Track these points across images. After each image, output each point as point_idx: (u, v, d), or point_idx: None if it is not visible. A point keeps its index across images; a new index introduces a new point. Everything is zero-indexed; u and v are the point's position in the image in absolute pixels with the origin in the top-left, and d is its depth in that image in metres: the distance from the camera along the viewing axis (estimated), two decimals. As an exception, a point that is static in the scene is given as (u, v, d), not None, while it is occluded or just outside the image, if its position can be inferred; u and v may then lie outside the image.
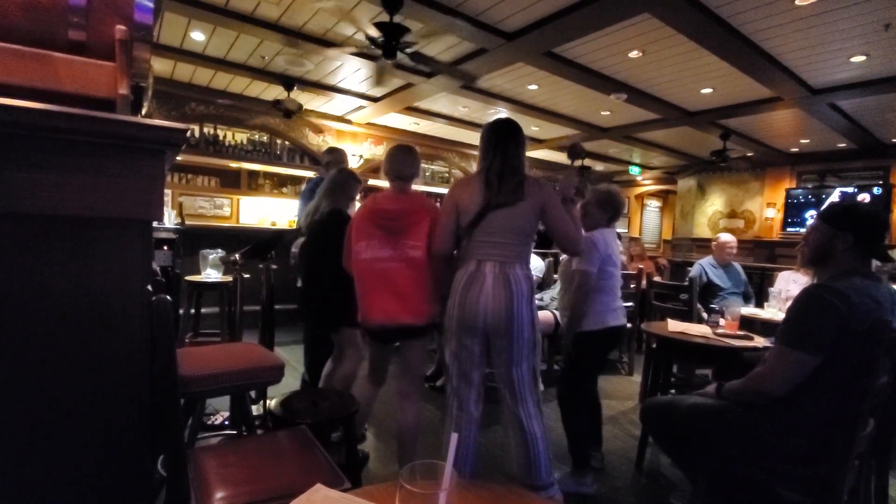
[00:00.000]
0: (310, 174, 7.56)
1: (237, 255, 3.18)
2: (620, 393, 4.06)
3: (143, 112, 1.24)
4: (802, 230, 8.40)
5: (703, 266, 4.39)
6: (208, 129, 7.24)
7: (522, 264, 2.06)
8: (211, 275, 4.01)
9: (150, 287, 1.05)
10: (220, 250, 4.12)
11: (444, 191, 8.85)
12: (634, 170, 11.33)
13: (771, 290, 4.00)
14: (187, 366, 1.82)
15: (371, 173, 8.30)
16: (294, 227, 6.62)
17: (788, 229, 9.01)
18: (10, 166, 0.90)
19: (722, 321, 2.93)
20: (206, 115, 7.10)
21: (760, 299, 4.57)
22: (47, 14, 1.07)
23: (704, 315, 3.81)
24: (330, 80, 6.26)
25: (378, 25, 4.00)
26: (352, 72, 5.88)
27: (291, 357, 4.30)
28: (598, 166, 11.17)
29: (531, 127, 7.70)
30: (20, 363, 0.94)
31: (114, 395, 1.02)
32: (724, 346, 2.64)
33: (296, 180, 8.23)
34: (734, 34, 4.20)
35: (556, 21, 4.12)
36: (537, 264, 4.43)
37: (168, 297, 1.09)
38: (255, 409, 2.72)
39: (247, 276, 3.30)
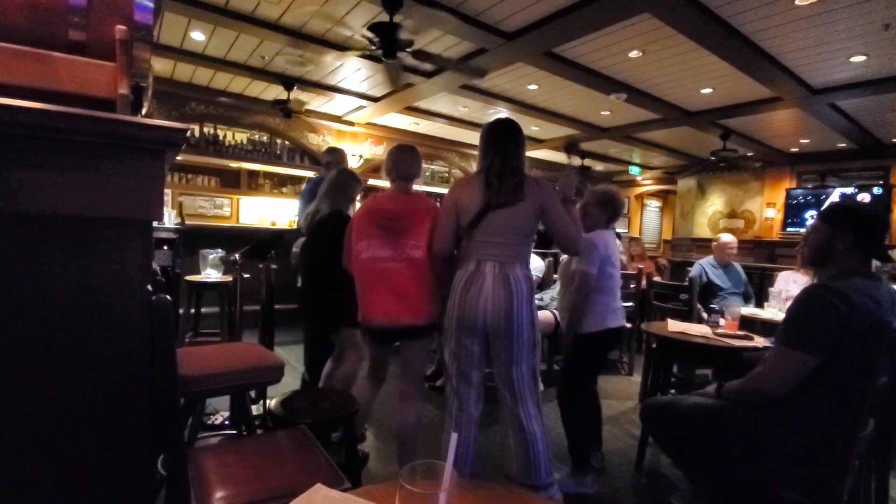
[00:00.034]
0: (310, 174, 7.56)
1: (237, 255, 3.18)
2: (620, 393, 4.06)
3: (144, 112, 1.24)
4: (802, 230, 8.40)
5: (703, 266, 4.39)
6: (208, 129, 7.24)
7: (522, 264, 2.06)
8: (211, 274, 4.01)
9: (150, 287, 1.05)
10: (219, 250, 4.12)
11: (444, 191, 8.85)
12: (634, 170, 11.33)
13: (771, 290, 4.00)
14: (187, 365, 1.82)
15: (371, 173, 8.30)
16: (294, 227, 6.63)
17: (788, 229, 9.01)
18: (10, 166, 0.90)
19: (722, 321, 2.93)
20: (206, 115, 7.10)
21: (760, 299, 4.58)
22: (47, 14, 1.07)
23: (704, 315, 3.81)
24: (330, 79, 6.27)
25: (373, 27, 3.99)
26: (352, 71, 5.88)
27: (291, 357, 4.30)
28: (598, 166, 11.17)
29: (531, 127, 7.70)
30: (20, 363, 0.94)
31: (114, 395, 1.02)
32: (724, 346, 2.64)
33: (296, 180, 8.23)
34: (734, 34, 4.20)
35: (555, 21, 4.12)
36: (537, 264, 4.43)
37: (168, 297, 1.09)
38: (255, 409, 2.72)
39: (247, 275, 3.31)
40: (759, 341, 2.70)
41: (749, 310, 3.89)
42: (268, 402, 2.19)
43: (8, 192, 0.90)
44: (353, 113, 7.66)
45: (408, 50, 4.21)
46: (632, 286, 4.41)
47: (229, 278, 3.87)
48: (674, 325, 3.05)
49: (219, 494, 1.25)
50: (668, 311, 4.03)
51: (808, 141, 7.96)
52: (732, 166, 8.88)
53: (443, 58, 4.69)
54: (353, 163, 8.00)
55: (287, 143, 7.97)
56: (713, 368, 3.17)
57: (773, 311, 3.69)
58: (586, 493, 2.39)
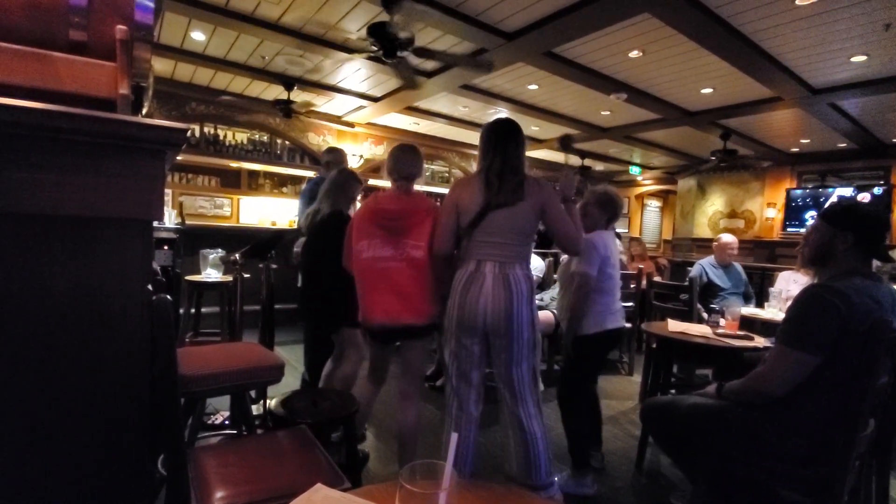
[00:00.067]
0: (310, 174, 7.56)
1: (237, 255, 3.18)
2: (620, 393, 4.06)
3: (144, 112, 1.24)
4: (803, 230, 8.40)
5: (704, 266, 4.39)
6: (208, 129, 7.24)
7: (522, 264, 2.05)
8: (211, 274, 4.01)
9: (150, 287, 1.05)
10: (220, 250, 4.12)
11: (444, 191, 8.86)
12: (635, 170, 11.33)
13: (771, 290, 4.00)
14: (187, 365, 1.82)
15: (371, 173, 8.30)
16: (294, 227, 6.63)
17: (789, 229, 9.01)
18: (10, 166, 0.90)
19: (722, 321, 2.93)
20: (206, 115, 7.10)
21: (761, 299, 4.58)
22: (48, 14, 1.07)
23: (704, 315, 3.81)
24: (330, 79, 6.27)
25: (372, 28, 3.99)
26: (352, 71, 5.88)
27: (291, 357, 4.30)
28: (599, 166, 11.17)
29: (531, 127, 7.70)
30: (20, 363, 0.94)
31: (114, 395, 1.02)
32: (725, 346, 2.64)
33: (296, 180, 8.23)
34: (734, 34, 4.20)
35: (556, 21, 4.12)
36: (537, 264, 4.43)
37: (168, 297, 1.09)
38: (255, 409, 2.72)
39: (247, 275, 3.31)
40: (760, 341, 2.70)
41: (749, 310, 3.89)
42: (268, 401, 2.20)
43: (8, 192, 0.90)
44: (354, 113, 7.66)
45: (409, 49, 4.21)
46: (632, 286, 4.41)
47: (229, 278, 3.87)
48: (674, 325, 3.05)
49: (219, 494, 1.25)
50: (668, 311, 4.03)
51: (808, 141, 7.96)
52: (742, 166, 8.87)
53: (448, 54, 4.65)
54: (354, 163, 8.00)
55: (287, 143, 7.97)
56: (713, 368, 3.17)
57: (774, 312, 3.69)
58: (586, 494, 2.39)
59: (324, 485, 0.94)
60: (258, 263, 3.13)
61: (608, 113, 7.01)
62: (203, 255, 4.05)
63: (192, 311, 4.11)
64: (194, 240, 4.88)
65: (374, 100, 6.94)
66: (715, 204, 10.43)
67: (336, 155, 3.90)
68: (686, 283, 4.07)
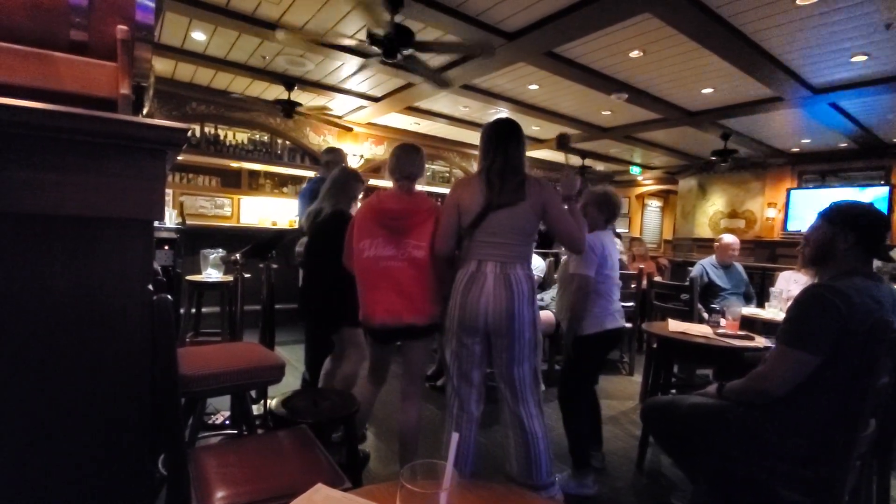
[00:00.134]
0: (310, 174, 7.57)
1: (238, 255, 3.18)
2: (621, 393, 4.06)
3: (145, 112, 1.24)
4: (803, 230, 8.38)
5: (705, 266, 4.39)
6: (209, 129, 7.25)
7: (524, 264, 2.05)
8: (212, 274, 4.01)
9: (150, 286, 1.05)
10: (220, 250, 4.12)
11: (444, 191, 8.86)
12: (635, 170, 11.33)
13: (772, 290, 4.00)
14: (188, 365, 1.82)
15: (372, 173, 8.30)
16: (294, 227, 6.63)
17: (789, 229, 9.01)
18: (11, 166, 0.90)
19: (723, 321, 2.93)
20: (206, 115, 7.11)
21: (761, 299, 4.57)
22: (49, 14, 1.07)
23: (705, 315, 3.81)
24: (330, 80, 6.27)
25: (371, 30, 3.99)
26: (352, 71, 5.88)
27: (292, 356, 4.30)
28: (599, 166, 11.17)
29: (532, 127, 7.70)
30: (20, 363, 0.94)
31: (114, 395, 1.02)
32: (725, 346, 2.64)
33: (296, 180, 8.23)
34: (735, 34, 4.20)
35: (556, 21, 4.12)
36: (538, 264, 4.43)
37: (169, 297, 1.09)
38: (256, 409, 2.72)
39: (247, 275, 3.31)
40: (760, 341, 2.69)
41: (750, 310, 3.89)
42: (268, 401, 2.20)
43: (9, 192, 0.90)
44: (354, 113, 7.66)
45: (405, 52, 4.21)
46: (632, 286, 4.41)
47: (230, 278, 3.88)
48: (674, 325, 3.05)
49: (219, 494, 1.25)
50: (668, 311, 4.02)
51: (809, 141, 7.95)
52: (749, 164, 8.86)
53: (448, 43, 4.60)
54: (354, 163, 8.00)
55: (288, 142, 7.98)
56: (714, 368, 3.17)
57: (774, 312, 3.69)
58: (587, 494, 2.39)
59: (324, 485, 0.94)
60: (258, 263, 3.13)
61: (609, 113, 7.01)
62: (203, 254, 4.05)
63: (193, 311, 4.12)
64: (195, 240, 4.88)
65: (375, 100, 6.94)
66: (716, 204, 10.43)
67: (336, 155, 3.90)
68: (687, 283, 4.07)
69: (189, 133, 1.04)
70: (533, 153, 9.69)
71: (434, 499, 0.67)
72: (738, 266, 4.43)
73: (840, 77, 5.17)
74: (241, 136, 7.62)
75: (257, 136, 7.73)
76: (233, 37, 5.02)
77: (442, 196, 8.09)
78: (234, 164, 7.69)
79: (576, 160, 10.15)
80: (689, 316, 3.80)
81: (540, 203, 2.01)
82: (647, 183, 12.40)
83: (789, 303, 1.75)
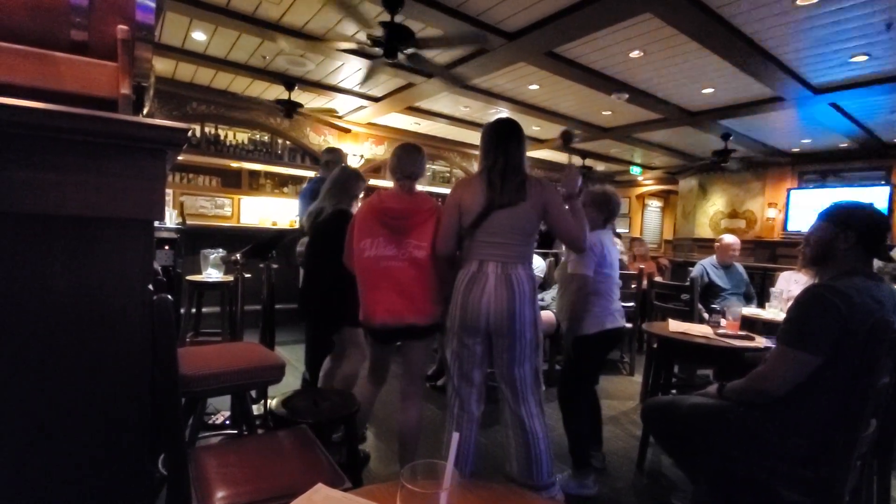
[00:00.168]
0: (311, 174, 7.57)
1: (238, 255, 3.18)
2: (621, 393, 4.06)
3: (145, 112, 1.24)
4: (804, 230, 8.38)
5: (705, 266, 4.39)
6: (209, 129, 7.25)
7: (525, 264, 2.05)
8: (212, 274, 4.01)
9: (151, 286, 1.05)
10: (221, 250, 4.13)
11: (445, 191, 8.85)
12: (636, 170, 11.32)
13: (772, 290, 4.00)
14: (188, 365, 1.82)
15: (372, 173, 8.30)
16: (295, 227, 6.63)
17: (790, 229, 9.00)
18: (11, 166, 0.90)
19: (723, 321, 2.93)
20: (207, 115, 7.10)
21: (762, 299, 4.57)
22: (49, 14, 1.07)
23: (705, 315, 3.81)
24: (331, 80, 6.27)
25: (383, 25, 4.00)
26: (353, 72, 5.88)
27: (292, 356, 4.30)
28: (600, 166, 11.17)
29: (532, 127, 7.69)
30: (20, 363, 0.94)
31: (114, 395, 1.02)
32: (726, 346, 2.64)
33: (297, 180, 8.23)
34: (735, 34, 4.19)
35: (556, 21, 4.11)
36: (538, 264, 4.43)
37: (169, 297, 1.09)
38: (256, 409, 2.72)
39: (248, 275, 3.31)
40: (761, 341, 2.69)
41: (750, 310, 3.88)
42: (269, 401, 2.20)
43: (10, 192, 0.90)
44: (354, 113, 7.66)
45: (406, 52, 4.21)
46: (633, 286, 4.41)
47: (230, 278, 3.88)
48: (675, 326, 3.05)
49: (220, 494, 1.25)
50: (669, 311, 4.03)
51: (809, 141, 7.95)
52: (754, 164, 8.85)
53: (447, 38, 4.61)
54: (354, 163, 8.00)
55: (288, 143, 7.98)
56: (714, 369, 3.16)
57: (775, 312, 3.69)
58: (587, 494, 2.39)
59: (325, 485, 0.94)
60: (259, 263, 3.13)
61: (609, 113, 7.01)
62: (204, 254, 4.05)
63: (193, 310, 4.12)
64: (195, 240, 4.88)
65: (375, 100, 6.94)
66: (716, 204, 10.42)
67: (335, 154, 3.91)
68: (687, 284, 4.07)
69: (189, 133, 1.04)
70: (533, 153, 9.69)
71: (434, 499, 0.67)
72: (739, 266, 4.43)
73: (840, 77, 5.16)
74: (242, 136, 7.62)
75: (258, 136, 7.73)
76: (233, 37, 5.02)
77: (442, 196, 8.09)
78: (235, 164, 7.69)
79: (576, 160, 10.15)
80: (689, 316, 3.80)
81: (541, 203, 2.01)
82: (648, 183, 12.40)
83: (790, 303, 1.75)
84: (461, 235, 2.10)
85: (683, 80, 5.52)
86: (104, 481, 1.02)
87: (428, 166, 9.49)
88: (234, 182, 7.84)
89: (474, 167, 9.54)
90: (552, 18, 4.13)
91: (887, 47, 4.37)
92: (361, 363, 2.67)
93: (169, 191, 6.76)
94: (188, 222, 5.40)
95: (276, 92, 6.59)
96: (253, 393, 2.68)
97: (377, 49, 4.14)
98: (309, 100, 6.99)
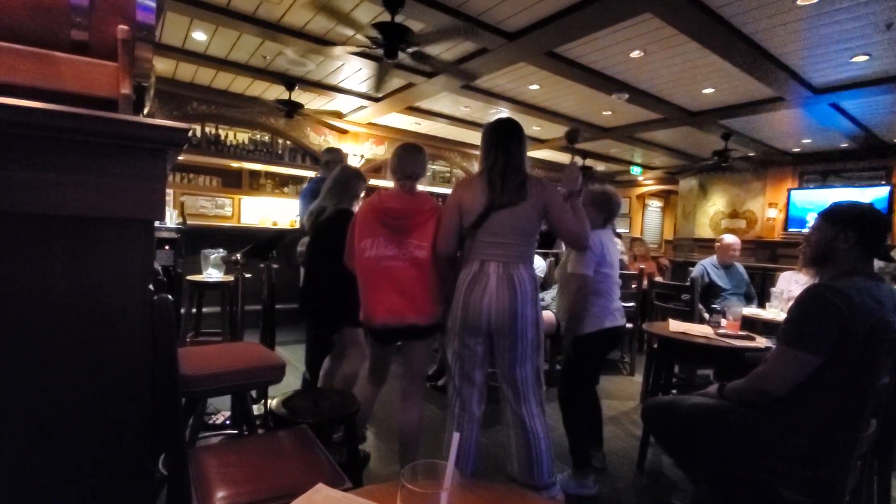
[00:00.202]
0: (311, 174, 7.58)
1: (238, 255, 3.18)
2: (622, 393, 4.06)
3: (145, 112, 1.24)
4: (804, 230, 8.39)
5: (705, 266, 4.38)
6: (210, 129, 7.25)
7: (526, 264, 2.05)
8: (212, 274, 4.01)
9: (151, 286, 1.05)
10: (221, 250, 4.13)
11: (445, 191, 8.85)
12: (636, 170, 11.32)
13: (773, 290, 4.00)
14: (188, 365, 1.82)
15: (372, 173, 8.30)
16: (296, 227, 6.63)
17: (790, 229, 9.00)
18: (12, 166, 0.90)
19: (724, 321, 2.92)
20: (207, 115, 7.11)
21: (762, 300, 4.57)
22: (50, 14, 1.07)
23: (706, 315, 3.80)
24: (331, 80, 6.27)
25: (379, 26, 4.00)
26: (353, 72, 5.89)
27: (292, 356, 4.30)
28: (600, 166, 11.17)
29: (532, 127, 7.70)
30: (20, 363, 0.94)
31: (115, 395, 1.02)
32: (726, 346, 2.64)
33: (297, 180, 8.24)
34: (736, 34, 4.19)
35: (557, 21, 4.12)
36: (539, 264, 4.42)
37: (169, 297, 1.09)
38: (256, 409, 2.72)
39: (248, 275, 3.31)
40: (761, 342, 2.69)
41: (751, 310, 3.88)
42: (269, 401, 2.20)
43: (10, 192, 0.90)
44: (355, 113, 7.66)
45: (408, 51, 4.21)
46: (633, 286, 4.41)
47: (231, 278, 3.88)
48: (675, 326, 3.04)
49: (220, 494, 1.25)
50: (669, 311, 4.02)
51: (809, 141, 7.95)
52: (755, 164, 8.85)
53: (436, 60, 4.67)
54: (354, 163, 8.00)
55: (288, 142, 7.98)
56: (715, 369, 3.16)
57: (775, 312, 3.69)
58: (588, 494, 2.39)
59: (325, 485, 0.94)
60: (259, 263, 3.13)
61: (609, 113, 7.01)
62: (204, 254, 4.06)
63: (194, 310, 4.12)
64: (195, 240, 4.89)
65: (376, 100, 6.94)
66: (716, 204, 10.42)
67: (335, 154, 3.91)
68: (687, 284, 4.07)
69: (190, 133, 1.04)
70: (534, 153, 9.69)
71: (435, 499, 0.67)
72: (739, 266, 4.43)
73: (841, 77, 5.16)
74: (242, 136, 7.62)
75: (258, 136, 7.73)
76: (234, 37, 5.02)
77: (443, 196, 8.09)
78: (235, 164, 7.69)
79: (577, 160, 10.14)
80: (689, 316, 3.80)
81: (541, 202, 2.01)
82: (648, 183, 12.40)
83: (790, 303, 1.75)
84: (462, 235, 2.10)
85: (684, 80, 5.52)
86: (104, 481, 1.02)
87: (428, 166, 9.48)
88: (235, 182, 7.84)
89: (474, 167, 9.54)
90: (552, 18, 4.13)
91: (887, 47, 4.37)
92: (361, 363, 2.66)
93: (169, 191, 6.76)
94: (189, 222, 5.40)
95: (277, 92, 6.60)
96: (253, 393, 2.68)
97: (378, 50, 4.13)
98: (309, 100, 6.99)
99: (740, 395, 1.78)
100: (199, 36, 5.08)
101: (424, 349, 2.26)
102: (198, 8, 4.28)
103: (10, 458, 0.94)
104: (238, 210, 7.81)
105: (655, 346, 3.20)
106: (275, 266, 3.11)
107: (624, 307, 2.67)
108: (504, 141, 2.05)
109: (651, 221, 13.12)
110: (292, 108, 6.39)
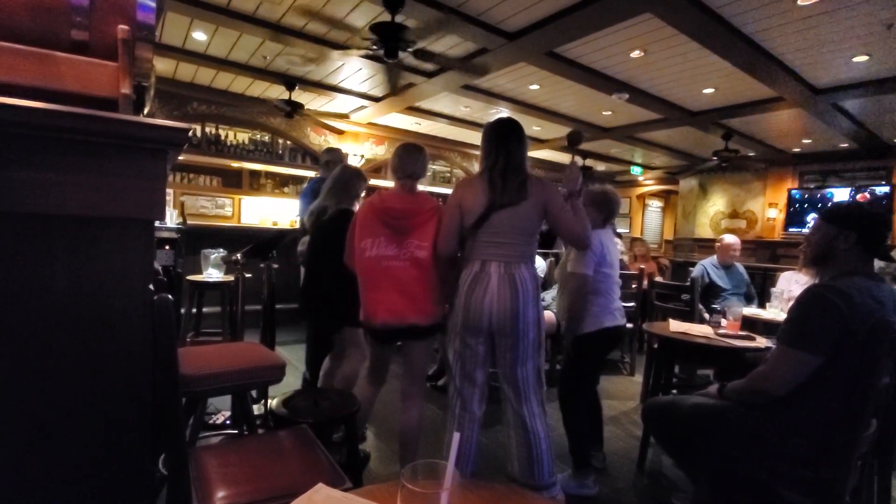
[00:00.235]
0: (311, 174, 7.57)
1: (239, 255, 3.18)
2: (622, 393, 4.06)
3: (146, 111, 1.24)
4: (804, 231, 8.39)
5: (706, 266, 4.38)
6: (210, 129, 7.25)
7: (528, 264, 2.05)
8: (212, 274, 4.01)
9: (151, 286, 1.05)
10: (221, 250, 4.13)
11: (445, 191, 8.85)
12: (636, 170, 11.32)
13: (773, 290, 4.00)
14: (189, 365, 1.82)
15: (373, 173, 8.29)
16: (296, 227, 6.63)
17: (790, 229, 9.00)
18: (12, 166, 0.90)
19: (724, 321, 2.92)
20: (207, 115, 7.10)
21: (763, 300, 4.57)
22: (50, 14, 1.08)
23: (706, 315, 3.80)
24: (331, 80, 6.27)
25: (375, 28, 4.00)
26: (353, 72, 5.88)
27: (293, 356, 4.30)
28: (600, 166, 11.16)
29: (533, 127, 7.69)
30: (20, 363, 0.94)
31: (115, 395, 1.02)
32: (726, 346, 2.64)
33: (297, 180, 8.23)
34: (736, 34, 4.19)
35: (557, 21, 4.11)
36: (539, 264, 4.43)
37: (169, 297, 1.09)
38: (257, 409, 2.72)
39: (248, 275, 3.31)
40: (761, 342, 2.69)
41: (751, 310, 3.88)
42: (269, 401, 2.20)
43: (10, 192, 0.90)
44: (355, 113, 7.66)
45: (409, 50, 4.21)
46: (633, 286, 4.41)
47: (231, 278, 3.88)
48: (675, 326, 3.04)
49: (220, 494, 1.25)
50: (669, 311, 4.02)
51: (810, 141, 7.94)
52: (739, 167, 8.84)
53: (442, 56, 4.67)
54: (355, 163, 8.00)
55: (289, 142, 7.98)
56: (715, 369, 3.16)
57: (776, 312, 3.69)
58: (588, 494, 2.39)
59: (325, 484, 0.94)
60: (259, 263, 3.13)
61: (610, 113, 7.00)
62: (204, 254, 4.06)
63: (194, 310, 4.12)
64: (196, 239, 4.89)
65: (376, 100, 6.94)
66: (716, 204, 10.42)
67: (335, 154, 3.91)
68: (687, 284, 4.07)
69: (190, 133, 1.04)
70: (534, 153, 9.68)
71: (435, 499, 0.67)
72: (740, 266, 4.43)
73: (841, 77, 5.16)
74: (242, 136, 7.62)
75: (258, 136, 7.73)
76: (234, 37, 5.02)
77: (443, 196, 8.09)
78: (235, 164, 7.69)
79: (577, 160, 10.14)
80: (690, 316, 3.79)
81: (542, 202, 2.01)
82: (648, 183, 12.39)
83: (790, 303, 1.75)
84: (463, 235, 2.10)
85: (684, 80, 5.52)
86: (104, 481, 1.02)
87: (428, 166, 9.48)
88: (235, 182, 7.84)
89: (475, 167, 9.55)
90: (552, 18, 4.13)
91: (888, 47, 4.37)
92: (361, 363, 2.66)
93: (169, 191, 6.77)
94: (189, 222, 5.40)
95: (277, 92, 6.59)
96: (253, 393, 2.68)
97: (379, 50, 4.13)
98: (310, 99, 6.99)
99: (740, 396, 1.78)
100: (200, 36, 5.08)
101: (425, 349, 2.26)
102: (198, 8, 4.27)
103: (10, 458, 0.94)
104: (238, 210, 7.81)
105: (656, 346, 3.20)
106: (275, 266, 3.11)
107: (624, 307, 2.67)
108: (504, 141, 2.05)
109: (651, 221, 13.12)
110: (293, 108, 6.39)
